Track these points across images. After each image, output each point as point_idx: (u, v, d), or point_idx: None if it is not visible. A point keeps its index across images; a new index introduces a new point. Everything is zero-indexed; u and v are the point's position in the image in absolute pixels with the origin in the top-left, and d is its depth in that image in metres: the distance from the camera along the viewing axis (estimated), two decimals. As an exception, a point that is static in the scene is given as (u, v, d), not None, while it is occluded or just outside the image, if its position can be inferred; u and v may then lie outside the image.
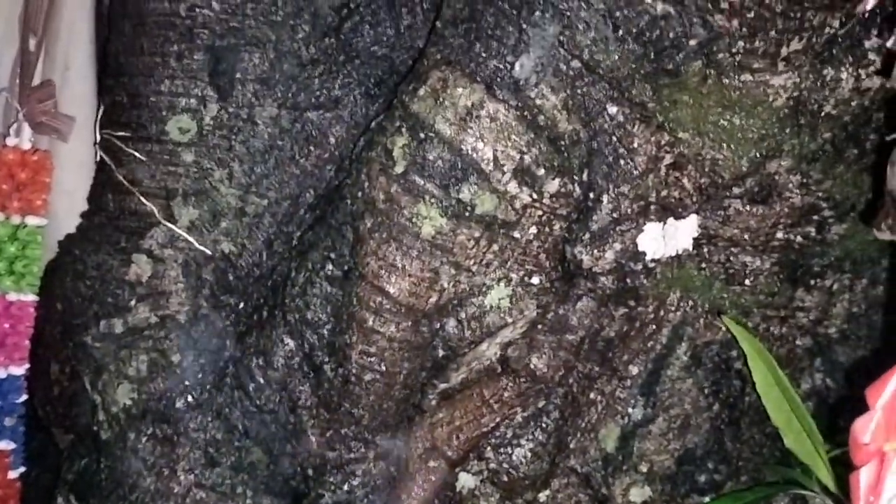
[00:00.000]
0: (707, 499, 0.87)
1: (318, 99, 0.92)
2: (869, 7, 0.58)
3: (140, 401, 0.86)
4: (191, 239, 0.89)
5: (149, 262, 0.89)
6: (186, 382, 0.88)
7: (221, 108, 0.90)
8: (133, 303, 0.87)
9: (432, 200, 0.78)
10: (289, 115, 0.92)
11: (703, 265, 0.85)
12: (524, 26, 0.74)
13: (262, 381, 0.88)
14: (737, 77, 0.74)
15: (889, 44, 0.58)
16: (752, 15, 0.70)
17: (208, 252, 0.90)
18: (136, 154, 0.89)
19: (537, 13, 0.74)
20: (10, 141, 0.93)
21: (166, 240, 0.89)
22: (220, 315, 0.90)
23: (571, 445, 0.88)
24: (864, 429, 0.44)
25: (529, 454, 0.86)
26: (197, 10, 0.88)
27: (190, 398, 0.88)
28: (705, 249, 0.84)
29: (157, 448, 0.86)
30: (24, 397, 0.93)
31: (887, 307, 0.83)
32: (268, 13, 0.90)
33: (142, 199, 0.89)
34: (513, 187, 0.78)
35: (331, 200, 0.89)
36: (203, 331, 0.90)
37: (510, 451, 0.86)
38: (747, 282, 0.85)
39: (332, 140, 0.93)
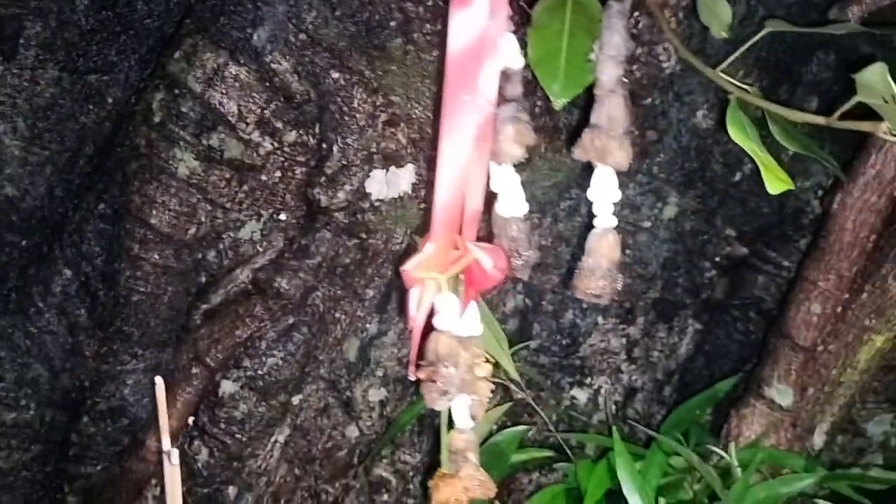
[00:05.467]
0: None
1: (96, 63, 1.05)
2: None
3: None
4: (-26, 183, 1.01)
5: (-67, 201, 0.99)
6: (-29, 309, 1.00)
7: (6, 69, 1.02)
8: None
9: (186, 146, 0.94)
10: (70, 77, 1.04)
11: (422, 205, 1.05)
12: (259, 4, 0.92)
13: (41, 305, 1.00)
14: (430, 53, 0.95)
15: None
16: (430, 3, 0.91)
17: (-8, 195, 1.02)
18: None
19: (269, -6, 0.92)
20: None
21: (-50, 184, 1.00)
22: (3, 251, 1.02)
23: (320, 357, 1.06)
24: (411, 263, 0.64)
25: (281, 362, 1.03)
26: (-20, -19, 1.00)
27: (-26, 322, 1.00)
28: (422, 192, 1.05)
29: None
30: None
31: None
32: (49, -13, 1.03)
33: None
34: (256, 136, 0.96)
35: (105, 151, 1.03)
36: (-14, 265, 1.01)
37: (265, 360, 1.03)
38: (457, 219, 1.07)
39: (110, 100, 1.06)
